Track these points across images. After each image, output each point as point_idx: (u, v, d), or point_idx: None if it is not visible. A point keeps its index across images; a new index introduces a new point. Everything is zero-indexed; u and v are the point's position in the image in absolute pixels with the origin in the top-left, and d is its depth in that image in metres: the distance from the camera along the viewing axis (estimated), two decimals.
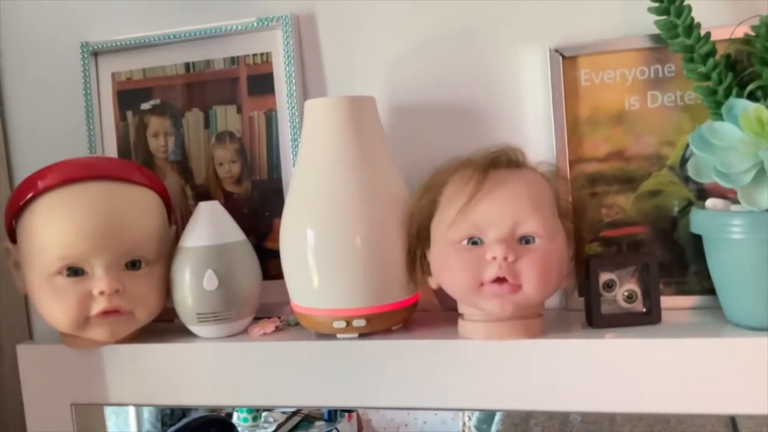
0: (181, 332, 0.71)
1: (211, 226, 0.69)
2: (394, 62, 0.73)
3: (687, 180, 0.66)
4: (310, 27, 0.75)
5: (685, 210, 0.66)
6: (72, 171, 0.66)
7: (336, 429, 1.24)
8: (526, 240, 0.58)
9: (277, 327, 0.70)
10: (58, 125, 0.83)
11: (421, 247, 0.64)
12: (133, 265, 0.67)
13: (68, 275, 0.65)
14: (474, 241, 0.59)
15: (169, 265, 0.69)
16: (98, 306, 0.64)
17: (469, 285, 0.58)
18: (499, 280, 0.57)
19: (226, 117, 0.78)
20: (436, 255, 0.62)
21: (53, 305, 0.65)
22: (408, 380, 0.63)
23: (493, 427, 1.06)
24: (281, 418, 1.24)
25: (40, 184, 0.66)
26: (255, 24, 0.75)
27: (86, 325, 0.65)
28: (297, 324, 0.71)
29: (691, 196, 0.66)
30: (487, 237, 0.59)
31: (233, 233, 0.70)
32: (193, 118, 0.79)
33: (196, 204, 0.78)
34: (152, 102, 0.80)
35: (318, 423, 1.25)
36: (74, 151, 0.77)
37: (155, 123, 0.80)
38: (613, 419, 0.97)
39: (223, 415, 1.10)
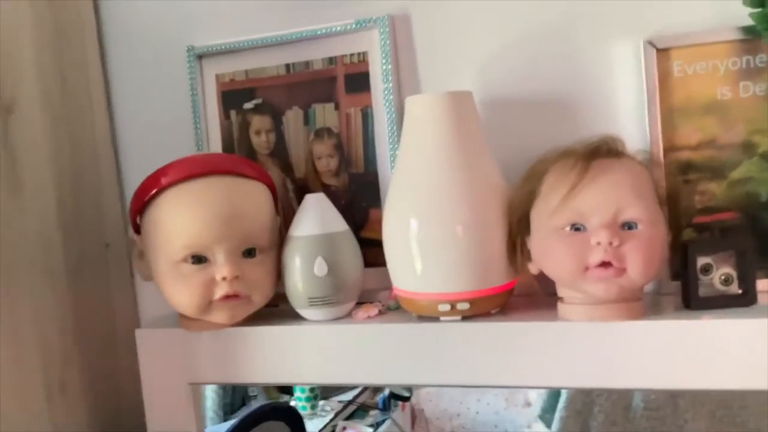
0: (289, 316, 0.76)
1: (318, 216, 0.73)
2: (487, 58, 0.77)
3: None
4: (405, 26, 0.79)
5: None
6: (193, 167, 0.72)
7: (391, 418, 1.28)
8: (628, 226, 0.61)
9: (379, 311, 0.74)
10: (165, 125, 0.89)
11: (521, 234, 0.67)
12: (249, 253, 0.72)
13: (193, 263, 0.70)
14: (577, 228, 0.62)
15: (279, 252, 0.75)
16: (220, 291, 0.70)
17: (574, 269, 0.61)
18: (605, 264, 0.60)
19: (325, 114, 0.83)
20: (538, 241, 0.65)
21: (180, 290, 0.70)
22: (511, 360, 0.67)
23: (557, 414, 1.09)
24: (338, 407, 1.28)
25: (164, 180, 0.71)
26: (353, 26, 0.79)
27: (209, 308, 0.71)
28: (397, 308, 0.75)
29: None
30: (590, 223, 0.62)
31: (338, 223, 0.74)
32: (293, 115, 0.84)
33: (296, 196, 0.84)
34: (254, 101, 0.85)
35: (372, 412, 1.29)
36: (181, 150, 0.82)
37: (257, 121, 0.85)
38: (676, 405, 0.99)
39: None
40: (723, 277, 0.65)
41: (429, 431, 1.25)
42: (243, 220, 0.71)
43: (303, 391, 1.12)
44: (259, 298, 0.73)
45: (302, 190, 0.83)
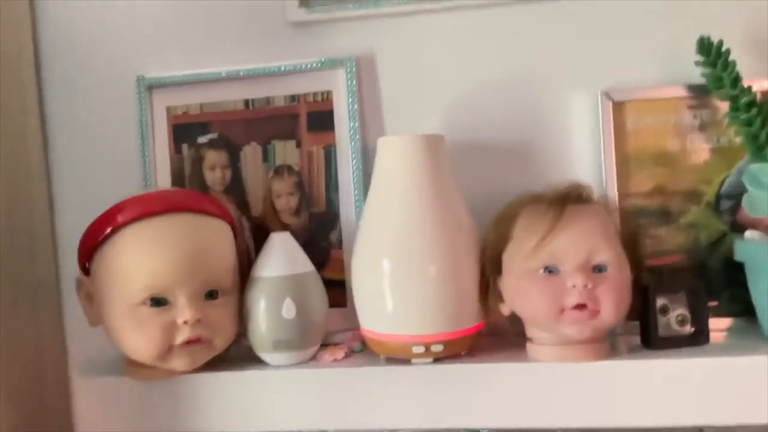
0: (245, 360, 0.72)
1: (285, 256, 0.71)
2: (451, 102, 0.78)
3: (721, 214, 0.73)
4: (370, 67, 0.80)
5: (719, 241, 0.74)
6: (153, 204, 0.68)
7: None
8: (599, 269, 0.64)
9: (345, 353, 0.73)
10: (108, 159, 0.84)
11: (493, 275, 0.69)
12: (211, 295, 0.69)
13: (152, 305, 0.66)
14: (550, 270, 0.64)
15: (240, 294, 0.72)
16: (182, 335, 0.66)
17: (550, 311, 0.63)
18: (580, 306, 0.62)
19: (285, 151, 0.81)
20: (512, 283, 0.66)
21: (137, 335, 0.65)
22: (484, 401, 0.67)
23: None
24: None
25: (120, 218, 0.67)
26: (318, 64, 0.79)
27: (168, 354, 0.66)
28: (362, 350, 0.74)
29: (725, 228, 0.74)
30: (563, 266, 0.64)
31: (304, 264, 0.72)
32: (251, 151, 0.82)
33: (252, 235, 0.81)
34: (209, 136, 0.82)
35: None
36: (125, 186, 0.77)
37: (212, 156, 0.82)
38: None
39: None
40: (679, 318, 0.69)
41: None
42: (207, 261, 0.68)
43: None
44: (221, 342, 0.69)
45: (259, 229, 0.80)
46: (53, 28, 0.84)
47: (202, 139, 0.82)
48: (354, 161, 0.78)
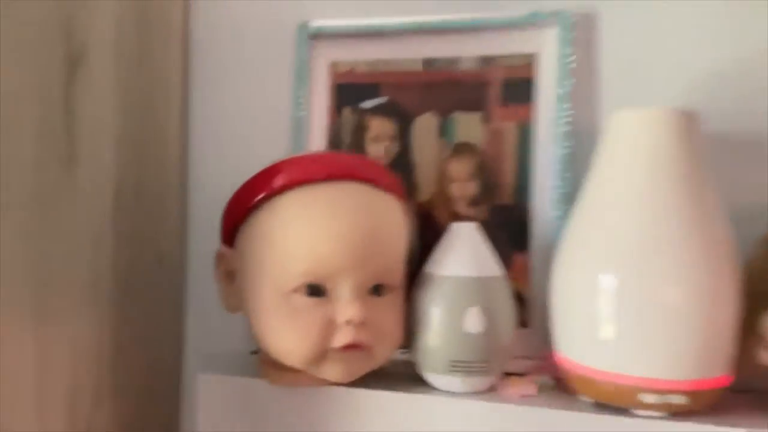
0: (404, 380, 0.57)
1: (471, 253, 0.55)
2: (696, 78, 0.60)
3: None
4: (589, 27, 0.63)
5: None
6: (319, 168, 0.53)
7: None
8: None
9: (535, 392, 0.56)
10: (252, 116, 0.71)
11: (759, 311, 0.50)
12: (376, 290, 0.54)
13: (308, 294, 0.51)
14: None
15: (407, 293, 0.56)
16: (342, 338, 0.51)
17: None
18: None
19: (469, 126, 0.65)
20: None
21: (290, 330, 0.51)
22: None
23: None
24: None
25: (278, 182, 0.53)
26: (522, 19, 0.63)
27: (321, 359, 0.52)
28: (553, 387, 0.57)
29: None
30: None
31: (493, 265, 0.56)
32: (426, 123, 0.67)
33: (415, 224, 0.66)
34: (377, 100, 0.68)
35: None
36: (270, 150, 0.64)
37: (378, 125, 0.68)
38: None
39: None
40: None
41: None
42: (380, 246, 0.53)
43: None
44: (383, 351, 0.54)
45: (424, 217, 0.65)
46: None
47: (369, 104, 0.68)
48: (559, 144, 0.62)
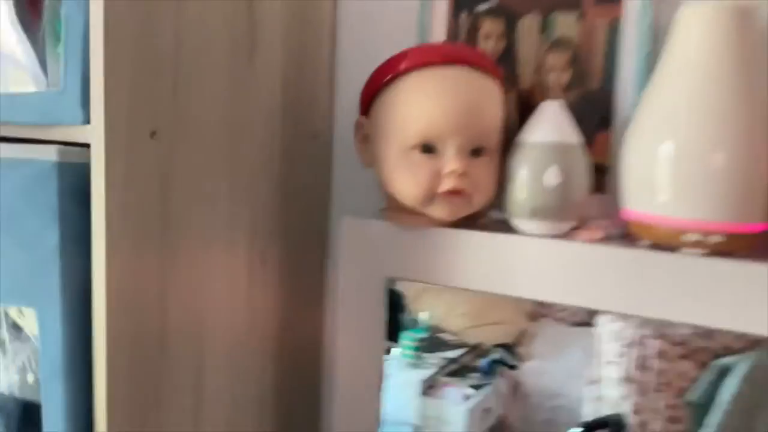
0: (498, 226, 0.73)
1: (555, 124, 0.69)
2: None
3: None
4: None
5: None
6: (433, 55, 0.69)
7: (492, 383, 1.23)
8: None
9: (602, 236, 0.70)
10: (389, 23, 0.87)
11: None
12: (476, 152, 0.69)
13: (422, 151, 0.68)
14: None
15: (502, 157, 0.71)
16: (446, 185, 0.68)
17: None
18: None
19: (566, 23, 0.77)
20: None
21: (407, 178, 0.69)
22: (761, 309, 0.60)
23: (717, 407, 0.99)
24: (441, 362, 1.25)
25: (402, 66, 0.69)
26: None
27: (430, 201, 0.69)
28: (619, 235, 0.70)
29: None
30: None
31: (573, 135, 0.69)
32: (529, 22, 0.79)
33: (516, 108, 0.80)
34: (489, 3, 0.81)
35: (474, 374, 1.25)
36: (401, 44, 0.80)
37: (489, 25, 0.81)
38: None
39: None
40: None
41: (527, 405, 1.20)
42: (479, 116, 0.68)
43: (411, 340, 1.10)
44: (480, 198, 0.70)
45: (525, 102, 0.79)
46: None
47: (482, 7, 0.81)
48: (640, 37, 0.72)
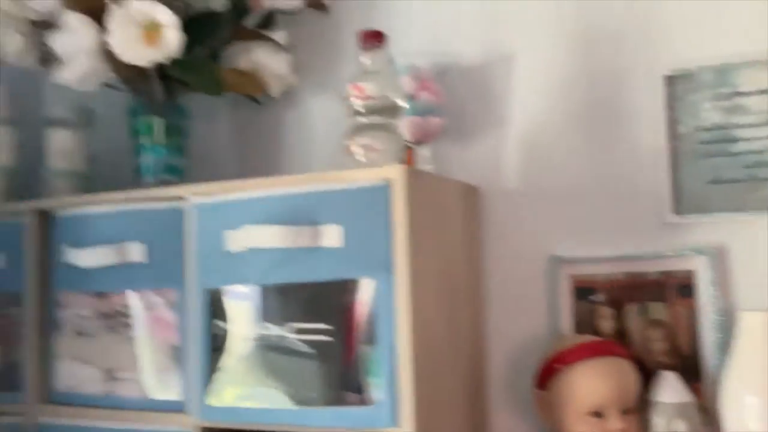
0: None
1: (676, 387, 1.05)
2: None
3: None
4: (724, 257, 1.13)
5: None
6: (593, 350, 1.08)
7: None
8: None
9: None
10: (521, 306, 1.25)
11: None
12: (625, 412, 1.05)
13: (593, 416, 1.04)
14: None
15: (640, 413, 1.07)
16: None
17: None
18: None
19: (657, 309, 1.16)
20: None
21: None
22: None
23: None
24: None
25: (571, 358, 1.07)
26: (685, 252, 1.14)
27: None
28: None
29: None
30: None
31: (688, 395, 1.06)
32: (631, 308, 1.18)
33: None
34: (598, 296, 1.20)
35: None
36: (535, 325, 1.18)
37: (602, 310, 1.20)
38: None
39: None
40: None
41: None
42: (627, 390, 1.05)
43: None
44: None
45: (639, 364, 1.15)
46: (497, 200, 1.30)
47: (594, 298, 1.21)
48: (712, 321, 1.11)
